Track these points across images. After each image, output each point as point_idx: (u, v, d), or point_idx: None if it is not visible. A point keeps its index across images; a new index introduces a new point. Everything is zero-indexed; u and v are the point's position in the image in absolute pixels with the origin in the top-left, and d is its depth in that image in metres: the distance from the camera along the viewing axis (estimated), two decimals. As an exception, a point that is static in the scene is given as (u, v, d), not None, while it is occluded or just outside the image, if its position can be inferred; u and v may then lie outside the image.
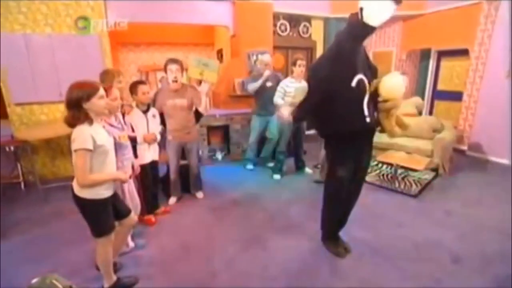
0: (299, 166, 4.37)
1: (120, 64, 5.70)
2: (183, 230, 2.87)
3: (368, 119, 2.03)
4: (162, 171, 3.30)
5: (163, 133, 3.12)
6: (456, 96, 5.29)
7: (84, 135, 1.63)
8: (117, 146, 2.07)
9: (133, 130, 2.67)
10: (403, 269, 2.22)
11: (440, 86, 5.81)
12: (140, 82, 2.75)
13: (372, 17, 1.74)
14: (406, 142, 4.29)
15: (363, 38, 1.94)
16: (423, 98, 5.67)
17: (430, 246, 2.49)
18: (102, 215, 1.83)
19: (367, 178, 3.89)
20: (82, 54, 3.93)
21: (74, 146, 1.64)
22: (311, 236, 2.64)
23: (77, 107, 1.64)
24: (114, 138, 1.99)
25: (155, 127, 2.85)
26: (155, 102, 3.08)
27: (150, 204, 2.98)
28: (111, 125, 2.10)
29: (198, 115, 3.35)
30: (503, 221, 2.84)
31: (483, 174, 4.15)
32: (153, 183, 2.98)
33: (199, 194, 3.60)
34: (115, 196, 1.94)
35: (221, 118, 4.86)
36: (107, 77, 2.47)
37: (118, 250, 2.25)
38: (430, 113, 5.96)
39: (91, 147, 1.64)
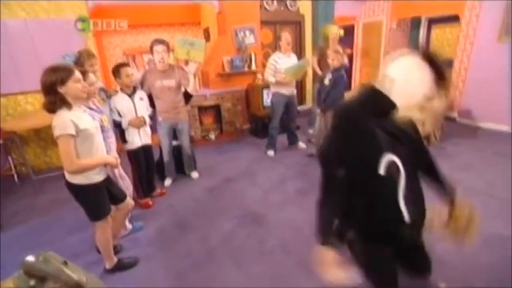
0: (292, 141, 4.38)
1: (104, 48, 5.51)
2: (180, 210, 2.91)
3: (407, 217, 1.23)
4: (155, 154, 3.29)
5: (153, 116, 3.08)
6: (446, 63, 5.26)
7: (64, 121, 1.60)
8: (102, 130, 2.04)
9: (119, 115, 2.64)
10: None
11: (431, 55, 5.77)
12: (123, 65, 2.66)
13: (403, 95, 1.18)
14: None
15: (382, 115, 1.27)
16: (414, 68, 5.64)
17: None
18: (96, 199, 1.84)
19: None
20: (63, 39, 3.77)
21: (55, 133, 1.61)
22: (307, 209, 2.69)
23: (53, 92, 1.60)
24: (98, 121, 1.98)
25: (144, 110, 2.81)
26: (143, 84, 3.03)
27: (145, 188, 2.99)
28: (90, 109, 2.06)
29: (187, 96, 3.30)
30: (492, 184, 2.92)
31: (473, 140, 4.22)
32: (148, 167, 2.98)
33: (194, 174, 3.62)
34: (109, 180, 1.94)
35: (212, 98, 4.81)
36: (78, 60, 2.38)
37: (118, 234, 2.29)
38: (422, 82, 5.95)
39: (73, 132, 1.60)
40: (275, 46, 5.30)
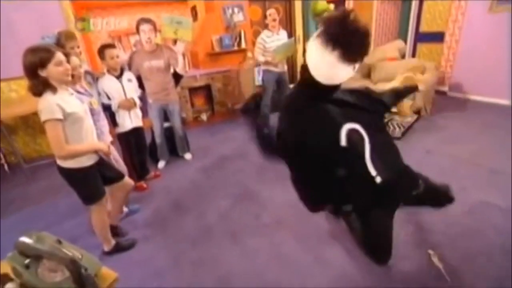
0: None
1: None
2: (175, 191, 2.93)
3: (378, 178, 1.22)
4: (147, 137, 3.27)
5: (143, 97, 3.02)
6: (438, 37, 5.22)
7: (49, 105, 1.54)
8: (92, 113, 2.01)
9: (108, 98, 2.59)
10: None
11: (423, 28, 5.70)
12: (108, 46, 2.56)
13: (323, 78, 1.21)
14: (389, 87, 4.29)
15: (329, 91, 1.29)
16: (405, 41, 5.59)
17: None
18: (88, 183, 1.82)
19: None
20: (44, 22, 3.62)
21: (42, 117, 1.55)
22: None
23: (34, 75, 1.53)
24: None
25: (133, 92, 2.75)
26: (131, 65, 2.96)
27: (139, 171, 2.99)
28: (78, 92, 2.02)
29: (177, 77, 3.24)
30: (478, 154, 2.98)
31: (462, 113, 4.26)
32: (140, 150, 2.96)
33: (187, 156, 3.62)
34: (101, 163, 1.91)
35: (202, 78, 4.73)
36: (58, 41, 2.27)
37: (117, 215, 2.31)
38: (413, 56, 5.91)
39: (60, 116, 1.55)
40: (264, 23, 5.18)
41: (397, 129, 3.72)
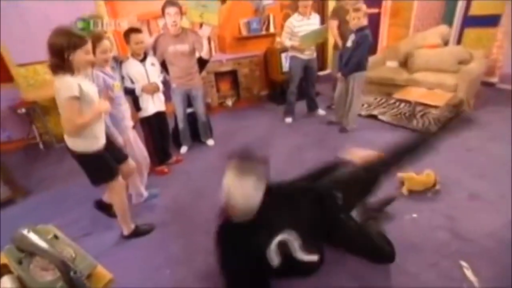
0: (311, 108, 4.19)
1: (118, 14, 5.38)
2: (196, 177, 2.92)
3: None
4: (171, 123, 3.27)
5: (166, 82, 3.00)
6: (491, 20, 4.66)
7: (69, 83, 1.55)
8: (110, 98, 2.05)
9: (132, 82, 2.59)
10: (418, 207, 2.19)
11: (473, 11, 5.12)
12: (133, 30, 2.53)
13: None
14: (428, 77, 3.95)
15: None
16: (451, 26, 5.08)
17: (447, 184, 2.39)
18: (98, 165, 1.85)
19: (383, 118, 3.73)
20: (74, 6, 3.70)
21: (62, 95, 1.56)
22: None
23: (60, 56, 1.53)
24: (110, 86, 1.98)
25: (156, 76, 2.73)
26: (155, 49, 2.93)
27: (161, 155, 3.01)
28: (104, 73, 2.03)
29: (203, 62, 3.18)
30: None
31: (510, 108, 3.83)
32: (162, 134, 2.97)
33: (210, 142, 3.59)
34: (109, 144, 1.94)
35: (229, 63, 4.63)
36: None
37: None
38: (458, 43, 5.38)
39: (77, 93, 1.56)
40: (295, 6, 4.94)
41: (432, 123, 3.42)
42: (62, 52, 1.52)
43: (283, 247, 1.36)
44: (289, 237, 1.37)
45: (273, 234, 1.36)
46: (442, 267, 1.69)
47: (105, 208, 2.25)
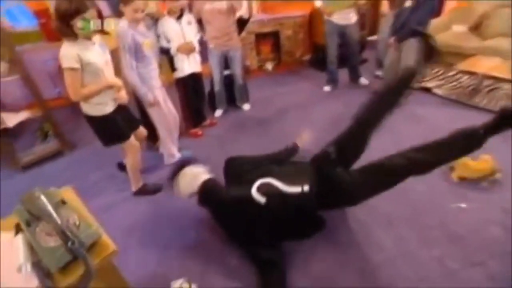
0: (353, 77, 3.84)
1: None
2: (229, 142, 2.89)
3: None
4: (206, 85, 3.20)
5: (203, 42, 2.89)
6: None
7: (69, 53, 1.59)
8: (140, 56, 2.04)
9: (167, 41, 2.51)
10: (468, 196, 1.95)
11: None
12: None
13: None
14: (504, 44, 3.34)
15: None
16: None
17: (508, 174, 2.06)
18: (107, 128, 1.91)
19: (439, 91, 3.30)
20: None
21: (62, 64, 1.61)
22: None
23: (63, 21, 1.54)
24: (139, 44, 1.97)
25: (192, 36, 2.62)
26: (191, 6, 2.79)
27: (195, 117, 2.99)
28: (135, 31, 1.99)
29: (242, 22, 3.00)
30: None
31: None
32: (197, 96, 2.93)
33: (246, 106, 3.50)
34: (123, 109, 1.98)
35: (270, 24, 4.33)
36: None
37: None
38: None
39: (77, 65, 1.61)
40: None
41: (503, 101, 2.93)
42: (65, 17, 1.53)
43: (265, 187, 1.61)
44: (268, 180, 1.64)
45: (252, 182, 1.64)
46: (489, 267, 1.49)
47: (124, 169, 2.33)
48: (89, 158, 2.85)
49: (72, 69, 1.62)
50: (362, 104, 1.88)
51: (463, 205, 1.86)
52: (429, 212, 1.84)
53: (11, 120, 2.71)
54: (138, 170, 2.22)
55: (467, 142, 1.54)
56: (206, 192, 1.77)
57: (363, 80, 3.79)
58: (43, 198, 0.67)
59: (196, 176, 1.80)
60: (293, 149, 2.16)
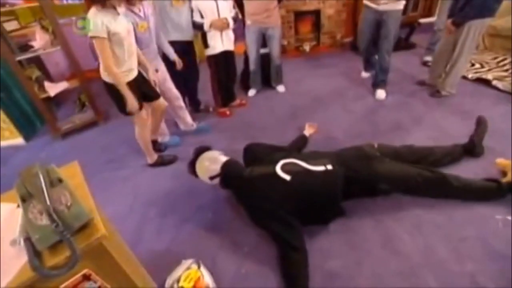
0: (375, 82, 3.12)
1: None
2: (257, 126, 2.80)
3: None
4: (239, 63, 3.10)
5: (237, 18, 2.77)
6: None
7: (96, 22, 1.60)
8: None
9: (202, 16, 2.44)
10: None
11: None
12: None
13: None
14: None
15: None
16: None
17: None
18: (120, 97, 1.89)
19: (500, 85, 2.90)
20: None
21: (90, 32, 1.63)
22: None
23: None
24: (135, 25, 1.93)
25: (227, 12, 2.51)
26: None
27: (224, 96, 2.94)
28: (131, 11, 1.94)
29: (279, -3, 2.82)
30: None
31: None
32: (228, 75, 2.86)
33: (280, 88, 3.37)
34: (141, 79, 1.99)
35: (313, 2, 4.06)
36: None
37: (156, 130, 2.43)
38: None
39: (104, 35, 1.63)
40: None
41: None
42: None
43: (289, 166, 1.65)
44: (291, 160, 1.70)
45: (275, 162, 1.68)
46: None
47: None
48: (120, 130, 2.94)
49: (99, 38, 1.64)
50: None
51: (509, 218, 1.63)
52: (466, 221, 1.64)
53: (52, 89, 2.85)
54: (148, 142, 2.26)
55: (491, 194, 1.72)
56: (228, 173, 1.76)
57: (381, 94, 3.00)
58: (39, 175, 0.65)
59: (215, 159, 1.80)
60: (304, 140, 2.23)
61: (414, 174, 1.70)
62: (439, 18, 3.35)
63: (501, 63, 3.26)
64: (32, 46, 2.76)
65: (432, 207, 1.74)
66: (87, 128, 3.08)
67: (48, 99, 2.91)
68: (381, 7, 2.66)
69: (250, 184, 1.67)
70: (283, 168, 1.63)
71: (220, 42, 2.59)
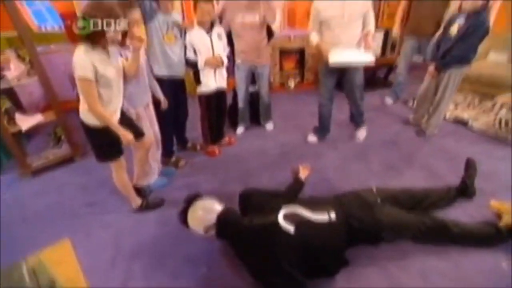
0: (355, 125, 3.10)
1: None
2: (248, 165, 2.70)
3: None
4: (228, 98, 3.05)
5: (231, 56, 2.77)
6: None
7: (83, 61, 1.51)
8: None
9: (195, 53, 2.39)
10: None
11: None
12: None
13: None
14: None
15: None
16: None
17: None
18: (105, 141, 1.77)
19: (475, 124, 3.07)
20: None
21: (75, 72, 1.53)
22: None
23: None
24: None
25: (221, 49, 2.50)
26: (222, 18, 2.68)
27: (214, 134, 2.84)
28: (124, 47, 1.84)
29: (269, 34, 2.86)
30: None
31: None
32: (219, 113, 2.79)
33: (269, 126, 3.34)
34: (124, 118, 1.86)
35: (297, 40, 4.21)
36: None
37: (141, 174, 2.25)
38: None
39: (91, 76, 1.54)
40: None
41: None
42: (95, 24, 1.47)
43: (292, 215, 1.57)
44: (293, 208, 1.62)
45: (276, 211, 1.60)
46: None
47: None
48: (100, 168, 2.67)
49: (86, 79, 1.53)
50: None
51: (504, 264, 1.63)
52: (472, 268, 1.62)
53: (25, 123, 2.61)
54: (128, 186, 2.08)
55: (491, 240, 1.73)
56: (226, 223, 1.62)
57: (361, 134, 3.03)
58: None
59: (210, 208, 1.66)
60: (300, 184, 2.08)
61: (417, 222, 1.69)
62: (400, 64, 3.61)
63: (471, 103, 3.50)
64: (3, 76, 2.54)
65: (437, 254, 1.71)
66: (62, 164, 2.81)
67: (19, 132, 2.65)
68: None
69: (250, 236, 1.55)
70: (286, 217, 1.55)
71: (213, 80, 2.54)
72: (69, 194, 2.44)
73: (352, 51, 2.45)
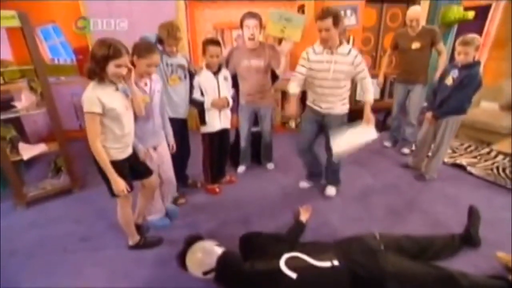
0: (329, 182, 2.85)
1: (195, 21, 5.51)
2: (248, 205, 2.66)
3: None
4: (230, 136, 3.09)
5: (235, 97, 2.86)
6: None
7: (91, 97, 1.58)
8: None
9: (202, 94, 2.48)
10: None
11: None
12: (212, 42, 2.40)
13: None
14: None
15: None
16: None
17: None
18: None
19: (473, 170, 3.11)
20: (155, 10, 3.87)
21: (84, 107, 1.60)
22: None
23: (97, 64, 1.58)
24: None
25: (227, 91, 2.59)
26: (228, 62, 2.82)
27: (215, 173, 2.85)
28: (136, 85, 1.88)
29: (273, 77, 2.99)
30: None
31: None
32: (221, 152, 2.82)
33: (270, 166, 3.36)
34: (133, 157, 1.90)
35: (298, 82, 4.38)
36: (161, 31, 2.26)
37: (143, 211, 2.22)
38: None
39: (99, 110, 1.59)
40: (378, 29, 4.66)
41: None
42: (100, 61, 1.57)
43: (294, 261, 1.54)
44: (296, 254, 1.58)
45: (278, 256, 1.57)
46: None
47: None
48: (98, 201, 2.66)
49: (93, 113, 1.59)
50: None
51: None
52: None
53: (27, 152, 2.61)
54: (131, 223, 2.05)
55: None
56: (226, 268, 1.57)
57: (331, 191, 2.78)
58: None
59: (210, 251, 1.64)
60: (302, 227, 2.11)
61: (423, 272, 1.63)
62: (394, 109, 3.75)
63: (469, 149, 3.57)
64: (14, 106, 2.59)
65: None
66: (59, 196, 2.76)
67: (19, 160, 2.64)
68: (324, 110, 2.46)
69: (251, 281, 1.51)
70: (288, 263, 1.52)
71: (218, 121, 2.60)
72: (63, 227, 2.38)
73: (353, 133, 2.31)
